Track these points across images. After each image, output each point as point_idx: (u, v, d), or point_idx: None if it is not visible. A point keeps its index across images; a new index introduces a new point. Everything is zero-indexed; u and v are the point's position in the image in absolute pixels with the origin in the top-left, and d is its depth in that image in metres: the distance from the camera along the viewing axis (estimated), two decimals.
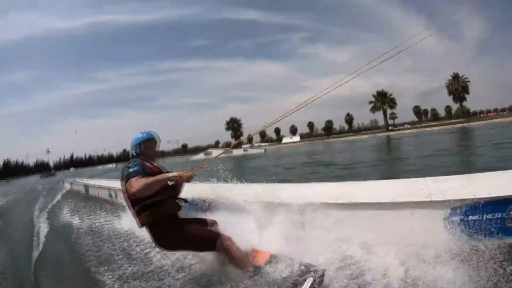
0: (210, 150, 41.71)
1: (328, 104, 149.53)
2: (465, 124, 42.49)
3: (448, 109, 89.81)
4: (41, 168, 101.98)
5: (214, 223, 2.53)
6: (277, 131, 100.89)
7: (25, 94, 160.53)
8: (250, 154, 36.71)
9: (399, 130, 59.37)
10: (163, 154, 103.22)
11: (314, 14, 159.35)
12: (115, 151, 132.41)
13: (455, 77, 62.27)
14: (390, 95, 61.66)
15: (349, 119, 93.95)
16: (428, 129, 46.63)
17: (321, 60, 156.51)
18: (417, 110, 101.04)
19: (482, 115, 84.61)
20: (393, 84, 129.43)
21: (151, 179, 2.11)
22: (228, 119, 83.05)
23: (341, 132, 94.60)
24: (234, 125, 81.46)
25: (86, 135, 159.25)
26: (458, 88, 61.14)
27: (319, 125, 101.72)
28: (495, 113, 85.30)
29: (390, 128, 63.45)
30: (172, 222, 2.30)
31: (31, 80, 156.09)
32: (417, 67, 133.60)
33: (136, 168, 2.22)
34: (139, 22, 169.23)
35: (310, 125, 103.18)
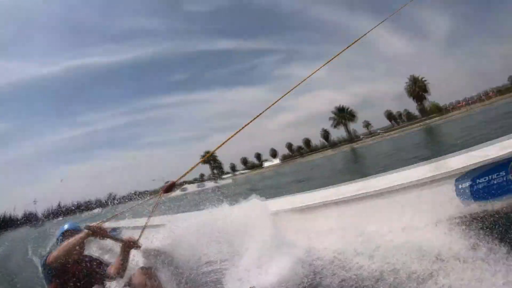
0: (185, 186, 44.17)
1: (310, 122, 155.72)
2: (421, 124, 45.74)
3: (420, 107, 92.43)
4: (30, 219, 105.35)
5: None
6: (258, 156, 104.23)
7: (6, 143, 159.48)
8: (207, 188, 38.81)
9: (361, 141, 64.39)
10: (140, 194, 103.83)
11: (285, 35, 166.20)
12: (103, 194, 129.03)
13: (414, 79, 68.62)
14: (348, 109, 67.06)
15: (325, 134, 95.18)
16: (387, 135, 50.21)
17: (297, 79, 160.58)
18: (389, 115, 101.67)
19: (451, 108, 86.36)
20: (371, 91, 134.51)
21: (67, 243, 2.36)
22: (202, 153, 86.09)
23: (323, 147, 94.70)
24: (209, 158, 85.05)
25: (73, 181, 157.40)
26: (416, 89, 67.46)
27: (300, 144, 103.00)
28: (464, 103, 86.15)
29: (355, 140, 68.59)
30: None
31: (12, 130, 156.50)
32: (392, 71, 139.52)
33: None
34: (117, 62, 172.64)
35: (288, 145, 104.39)
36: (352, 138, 68.17)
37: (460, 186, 2.43)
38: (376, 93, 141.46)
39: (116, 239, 2.64)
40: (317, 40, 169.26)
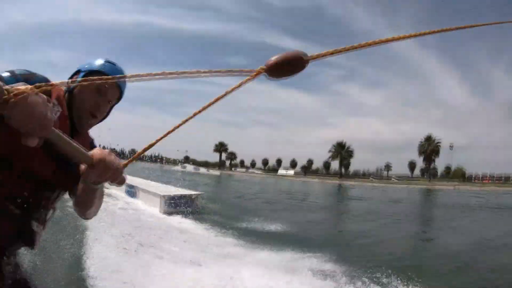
0: (185, 164, 54.80)
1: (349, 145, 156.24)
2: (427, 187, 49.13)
3: (447, 170, 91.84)
4: None
5: None
6: (279, 162, 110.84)
7: (58, 74, 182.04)
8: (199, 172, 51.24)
9: (348, 181, 66.97)
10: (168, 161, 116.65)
11: (353, 52, 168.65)
12: (128, 148, 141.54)
13: (428, 138, 70.99)
14: (348, 148, 73.71)
15: (346, 163, 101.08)
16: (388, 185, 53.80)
17: (351, 100, 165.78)
18: (410, 164, 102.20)
19: (476, 180, 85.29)
20: (418, 134, 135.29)
21: None
22: (217, 143, 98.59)
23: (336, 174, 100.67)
24: (220, 149, 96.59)
25: (105, 126, 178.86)
26: (427, 150, 69.60)
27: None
28: (489, 180, 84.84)
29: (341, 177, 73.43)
30: None
31: (68, 62, 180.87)
32: (444, 121, 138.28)
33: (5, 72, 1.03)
34: (182, 29, 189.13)
35: (309, 162, 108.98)
36: (341, 174, 74.27)
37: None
38: (421, 137, 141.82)
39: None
40: (380, 66, 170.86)
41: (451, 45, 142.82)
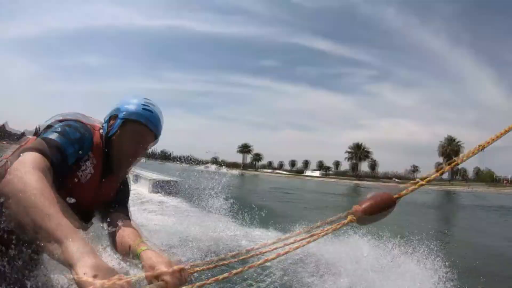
0: (208, 165, 58.34)
1: (381, 147, 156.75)
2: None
3: (476, 170, 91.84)
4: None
5: None
6: (306, 163, 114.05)
7: (95, 76, 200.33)
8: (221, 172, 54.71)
9: (363, 181, 69.42)
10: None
11: (384, 52, 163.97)
12: (159, 149, 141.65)
13: (450, 139, 71.54)
14: (364, 148, 75.36)
15: (372, 164, 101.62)
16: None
17: (383, 101, 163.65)
18: (439, 167, 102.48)
19: (505, 182, 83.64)
20: (453, 135, 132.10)
21: (39, 198, 0.81)
22: (241, 143, 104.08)
23: (367, 176, 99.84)
24: (244, 150, 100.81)
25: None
26: (448, 150, 69.98)
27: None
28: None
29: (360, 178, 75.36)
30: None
31: (103, 66, 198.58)
32: (480, 122, 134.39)
33: (55, 135, 1.08)
34: (213, 33, 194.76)
35: (336, 163, 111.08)
36: (357, 175, 75.93)
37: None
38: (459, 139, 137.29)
39: None
40: (413, 66, 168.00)
41: (486, 43, 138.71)
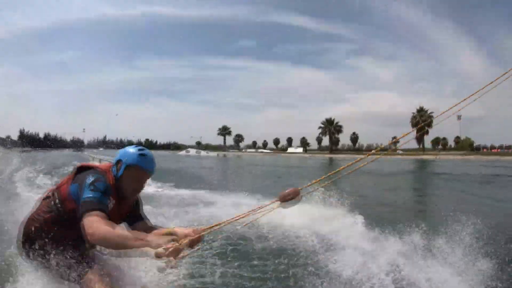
0: (189, 149, 60.11)
1: (361, 119, 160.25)
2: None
3: (456, 139, 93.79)
4: (76, 145, 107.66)
5: None
6: (290, 141, 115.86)
7: (70, 73, 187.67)
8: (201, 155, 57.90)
9: (338, 154, 72.30)
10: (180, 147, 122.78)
11: (364, 27, 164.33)
12: (144, 138, 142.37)
13: (420, 110, 73.41)
14: (337, 123, 78.87)
15: (354, 137, 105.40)
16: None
17: (365, 74, 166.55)
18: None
19: (484, 150, 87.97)
20: (432, 107, 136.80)
21: (122, 237, 1.58)
22: (220, 126, 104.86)
23: (348, 150, 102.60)
24: (224, 132, 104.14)
25: (122, 120, 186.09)
26: (419, 121, 70.02)
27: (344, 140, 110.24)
28: (498, 150, 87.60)
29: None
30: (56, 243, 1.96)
31: (77, 61, 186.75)
32: (460, 93, 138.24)
33: (95, 194, 1.73)
34: (189, 17, 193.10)
35: (319, 139, 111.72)
36: (331, 148, 79.71)
37: None
38: (436, 110, 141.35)
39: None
40: (394, 40, 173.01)
41: (465, 13, 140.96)
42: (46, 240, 1.90)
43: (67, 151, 63.35)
